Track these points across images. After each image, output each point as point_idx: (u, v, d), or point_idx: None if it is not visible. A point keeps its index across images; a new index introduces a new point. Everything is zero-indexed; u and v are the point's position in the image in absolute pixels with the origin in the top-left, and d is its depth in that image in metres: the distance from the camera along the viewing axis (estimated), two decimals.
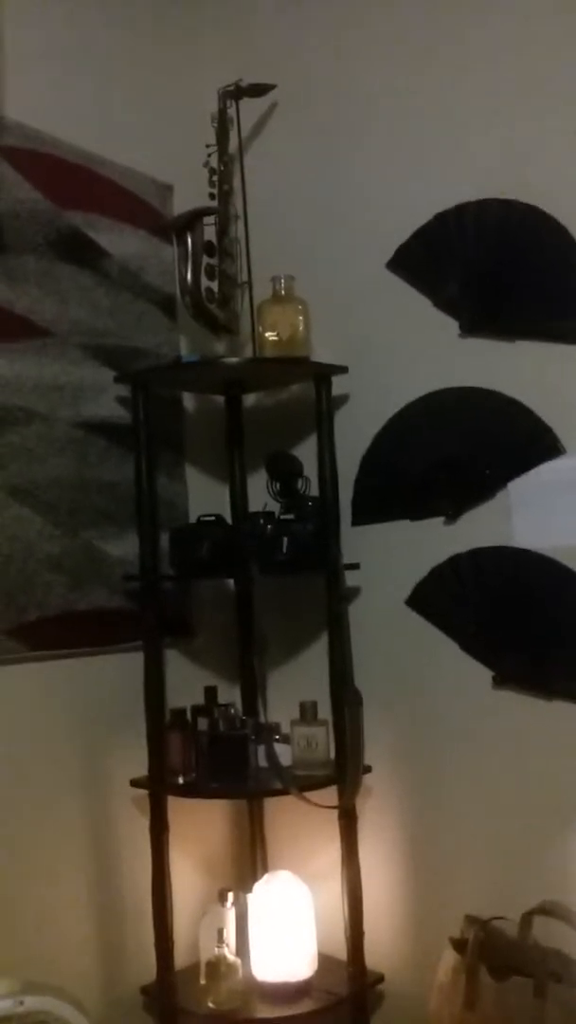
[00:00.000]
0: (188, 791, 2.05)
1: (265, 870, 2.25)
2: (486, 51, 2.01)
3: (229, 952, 1.98)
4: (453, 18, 2.06)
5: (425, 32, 2.10)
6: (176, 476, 2.28)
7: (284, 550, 2.02)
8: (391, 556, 2.13)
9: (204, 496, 2.31)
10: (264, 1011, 1.97)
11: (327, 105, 2.25)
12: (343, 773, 2.04)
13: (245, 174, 2.19)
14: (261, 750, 2.03)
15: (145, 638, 2.07)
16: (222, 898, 2.04)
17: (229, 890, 2.06)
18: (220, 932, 1.98)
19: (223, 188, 2.15)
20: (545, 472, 1.95)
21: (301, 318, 2.11)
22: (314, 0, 2.27)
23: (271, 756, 2.00)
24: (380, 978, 2.10)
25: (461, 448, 2.05)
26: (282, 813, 2.24)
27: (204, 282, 2.09)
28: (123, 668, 2.07)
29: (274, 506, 2.13)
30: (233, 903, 2.04)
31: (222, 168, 2.15)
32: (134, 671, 2.06)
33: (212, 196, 2.14)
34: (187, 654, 2.27)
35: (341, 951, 2.08)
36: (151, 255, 2.25)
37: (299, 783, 1.99)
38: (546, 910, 1.81)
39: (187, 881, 2.17)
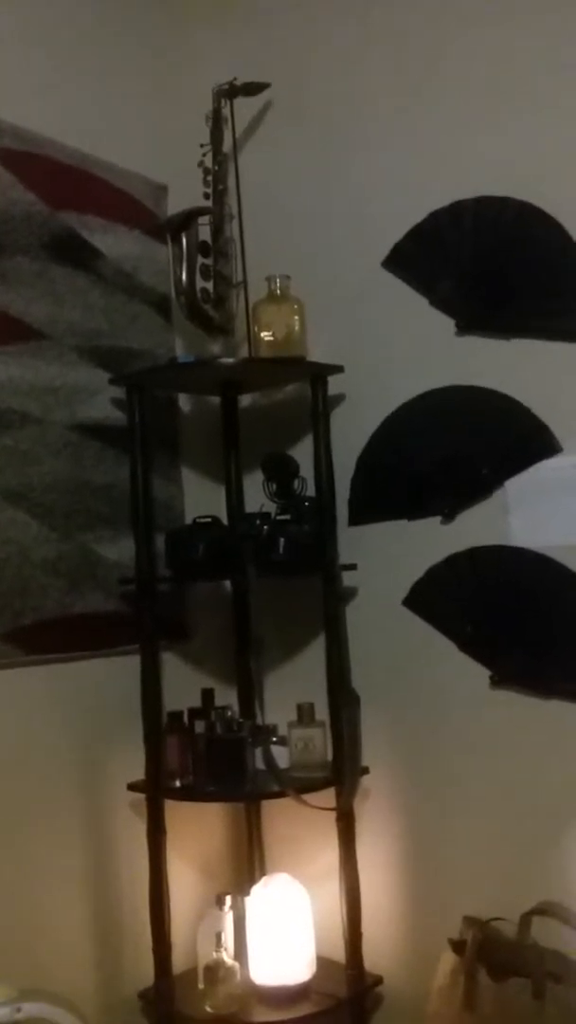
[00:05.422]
0: (185, 794, 2.04)
1: (263, 873, 2.24)
2: (481, 49, 2.01)
3: (227, 956, 1.98)
4: (448, 17, 2.05)
5: (420, 30, 2.10)
6: (172, 478, 2.27)
7: (281, 551, 2.01)
8: (388, 556, 2.13)
9: (200, 497, 2.30)
10: (263, 1015, 1.96)
11: (321, 104, 2.24)
12: (341, 775, 2.03)
13: (240, 173, 2.18)
14: (258, 752, 2.02)
15: (141, 641, 2.06)
16: (220, 902, 2.03)
17: (227, 893, 2.06)
18: (218, 936, 1.97)
19: (218, 188, 2.14)
20: (542, 471, 1.94)
21: (296, 318, 2.10)
22: None
23: (268, 758, 1.99)
24: (379, 980, 2.10)
25: (458, 447, 2.04)
26: (280, 815, 2.23)
27: (199, 282, 2.08)
28: (120, 671, 2.06)
29: (270, 507, 2.13)
30: (231, 906, 2.04)
31: (216, 168, 2.14)
32: (131, 674, 2.05)
33: (207, 196, 2.13)
34: (183, 656, 2.26)
35: (339, 953, 2.07)
36: (146, 256, 2.24)
37: (297, 785, 1.98)
38: (545, 911, 1.81)
39: (185, 885, 2.17)
